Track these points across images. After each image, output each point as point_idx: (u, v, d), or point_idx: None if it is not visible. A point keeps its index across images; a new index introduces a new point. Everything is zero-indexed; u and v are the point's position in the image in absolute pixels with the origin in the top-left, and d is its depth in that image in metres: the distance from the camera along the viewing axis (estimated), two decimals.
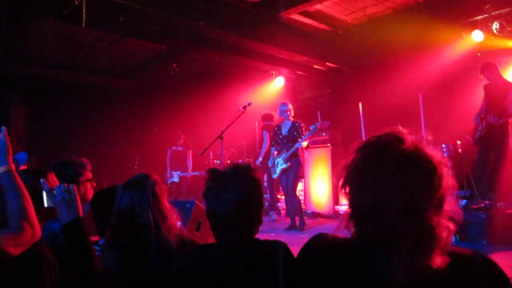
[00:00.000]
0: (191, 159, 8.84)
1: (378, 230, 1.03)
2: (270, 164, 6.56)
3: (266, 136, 7.80)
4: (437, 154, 1.07)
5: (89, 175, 2.59)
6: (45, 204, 1.75)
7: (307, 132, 6.19)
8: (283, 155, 6.29)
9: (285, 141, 6.38)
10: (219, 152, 5.97)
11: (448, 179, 1.05)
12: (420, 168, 1.03)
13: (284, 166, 6.28)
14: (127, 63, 9.22)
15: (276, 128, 6.62)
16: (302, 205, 7.60)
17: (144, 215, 1.85)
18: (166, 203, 1.96)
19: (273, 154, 6.54)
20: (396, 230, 1.00)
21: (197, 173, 8.55)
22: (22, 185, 1.57)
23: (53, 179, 1.97)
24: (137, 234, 1.84)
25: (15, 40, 6.81)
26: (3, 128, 1.63)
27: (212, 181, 1.57)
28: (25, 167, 4.62)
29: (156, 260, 1.79)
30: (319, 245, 1.24)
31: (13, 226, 1.47)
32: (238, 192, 1.51)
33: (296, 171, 6.28)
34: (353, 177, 1.12)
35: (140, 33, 6.93)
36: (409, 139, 1.07)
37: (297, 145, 6.16)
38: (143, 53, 8.53)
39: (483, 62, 5.98)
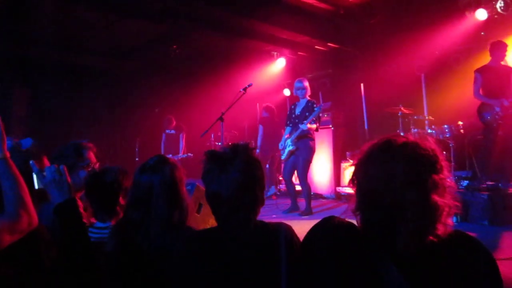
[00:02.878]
0: (183, 142, 8.81)
1: (387, 201, 1.16)
2: (281, 147, 6.27)
3: (261, 130, 7.70)
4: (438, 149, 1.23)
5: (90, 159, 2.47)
6: (36, 186, 1.73)
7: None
8: (292, 136, 5.99)
9: (296, 121, 6.05)
10: (220, 134, 5.95)
11: (446, 171, 1.20)
12: (424, 154, 1.18)
13: (291, 148, 5.96)
14: (129, 44, 9.10)
15: (293, 107, 6.29)
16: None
17: (160, 201, 1.79)
18: (183, 190, 1.88)
19: (285, 135, 6.22)
20: (405, 199, 1.13)
21: (185, 155, 8.43)
22: (17, 172, 1.53)
23: (47, 162, 1.95)
24: (148, 220, 1.78)
25: (16, 21, 6.72)
26: None
27: (211, 163, 1.53)
28: None
29: (160, 248, 1.74)
30: (327, 229, 1.31)
31: (9, 213, 1.44)
32: (240, 172, 1.47)
33: (305, 154, 5.89)
34: (363, 164, 1.25)
35: (139, 13, 6.83)
36: (410, 136, 1.24)
37: (302, 127, 5.82)
38: (144, 33, 8.42)
39: (496, 40, 5.82)
